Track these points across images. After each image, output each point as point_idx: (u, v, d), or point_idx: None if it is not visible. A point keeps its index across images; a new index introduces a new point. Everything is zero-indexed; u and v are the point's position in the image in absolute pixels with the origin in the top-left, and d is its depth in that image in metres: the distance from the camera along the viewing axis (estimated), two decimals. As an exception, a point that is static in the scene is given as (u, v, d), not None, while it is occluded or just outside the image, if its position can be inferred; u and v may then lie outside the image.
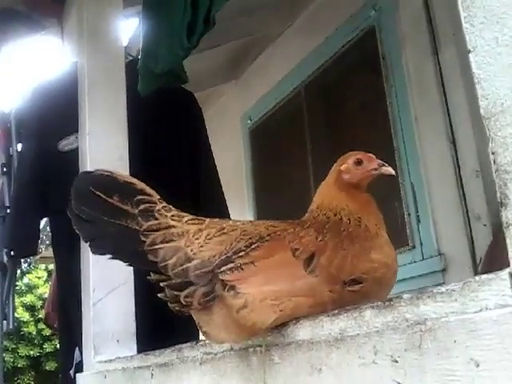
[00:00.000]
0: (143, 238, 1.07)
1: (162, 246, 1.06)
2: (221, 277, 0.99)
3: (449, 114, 3.04)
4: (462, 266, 2.88)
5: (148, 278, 1.08)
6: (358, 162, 1.25)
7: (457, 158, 2.99)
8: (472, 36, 0.71)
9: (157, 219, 1.08)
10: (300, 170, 4.09)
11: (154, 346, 1.63)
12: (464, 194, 2.93)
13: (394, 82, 3.36)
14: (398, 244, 3.18)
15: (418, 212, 3.14)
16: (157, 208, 1.09)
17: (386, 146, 3.32)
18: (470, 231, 2.88)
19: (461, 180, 2.95)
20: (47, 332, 11.94)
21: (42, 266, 12.92)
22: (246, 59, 4.74)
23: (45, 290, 12.37)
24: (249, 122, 4.78)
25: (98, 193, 1.10)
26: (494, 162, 0.66)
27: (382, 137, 3.41)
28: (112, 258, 1.13)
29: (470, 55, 0.70)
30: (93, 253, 1.15)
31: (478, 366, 0.65)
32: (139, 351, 2.08)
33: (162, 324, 2.28)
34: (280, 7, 4.07)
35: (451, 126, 3.03)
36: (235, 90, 5.01)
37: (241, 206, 4.61)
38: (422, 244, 3.11)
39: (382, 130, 3.40)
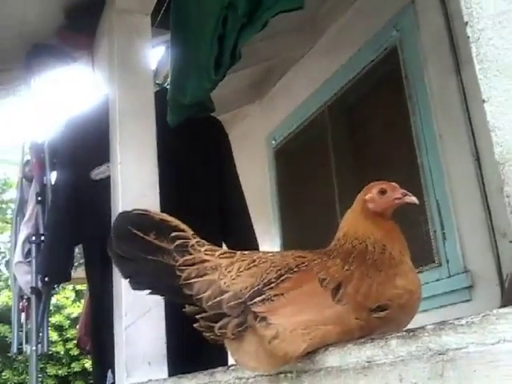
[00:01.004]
0: (179, 273, 1.13)
1: (196, 279, 1.12)
2: (252, 308, 1.05)
3: (472, 132, 3.06)
4: (488, 282, 2.88)
5: (184, 310, 1.14)
6: (382, 192, 1.29)
7: (481, 175, 3.00)
8: (486, 87, 0.76)
9: (191, 254, 1.14)
10: (325, 189, 4.12)
11: (184, 369, 1.67)
12: (489, 211, 2.94)
13: (417, 101, 3.39)
14: (425, 261, 3.19)
15: (443, 229, 3.16)
16: (191, 243, 1.16)
17: (411, 164, 3.35)
18: (496, 248, 2.88)
19: (486, 197, 2.96)
20: (75, 352, 12.01)
21: (70, 287, 13.03)
22: (269, 80, 4.81)
23: (72, 310, 12.47)
24: (273, 142, 4.84)
25: (135, 231, 1.16)
26: (509, 204, 0.71)
27: (406, 155, 3.44)
28: (150, 293, 1.19)
29: (485, 105, 0.76)
30: (132, 288, 1.21)
31: (497, 394, 0.69)
32: (170, 374, 2.13)
33: (192, 348, 2.33)
34: (301, 29, 4.14)
35: (475, 143, 3.04)
36: (259, 110, 5.07)
37: (266, 225, 4.65)
38: (448, 261, 3.12)
39: (407, 148, 3.42)
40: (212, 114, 2.92)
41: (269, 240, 4.53)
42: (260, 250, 2.80)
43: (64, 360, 12.66)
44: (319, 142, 4.29)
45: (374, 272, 1.15)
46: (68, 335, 12.24)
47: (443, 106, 3.24)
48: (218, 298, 1.08)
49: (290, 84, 4.63)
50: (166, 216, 1.19)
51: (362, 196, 1.31)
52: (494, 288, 2.82)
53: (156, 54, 3.33)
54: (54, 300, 13.34)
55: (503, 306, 0.73)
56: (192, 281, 1.12)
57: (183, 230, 1.17)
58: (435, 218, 3.20)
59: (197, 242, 1.16)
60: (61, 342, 12.60)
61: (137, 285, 1.20)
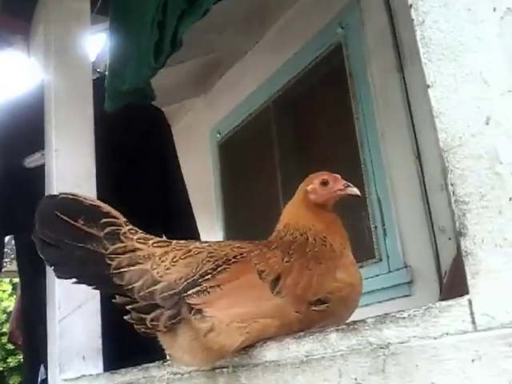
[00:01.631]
0: (109, 262, 1.06)
1: (127, 269, 1.05)
2: (187, 300, 1.00)
3: (414, 129, 3.10)
4: (427, 278, 2.93)
5: (113, 300, 1.07)
6: (324, 183, 1.27)
7: (422, 172, 3.05)
8: (431, 71, 0.73)
9: (122, 242, 1.08)
10: (269, 184, 4.11)
11: (120, 363, 1.61)
12: (429, 208, 2.99)
13: (360, 98, 3.41)
14: (365, 256, 3.22)
15: (384, 225, 3.19)
16: (122, 231, 1.09)
17: (353, 160, 3.37)
18: (436, 244, 2.93)
19: (426, 194, 3.01)
20: (11, 346, 11.72)
21: (7, 280, 12.68)
22: (214, 74, 4.76)
23: (9, 304, 12.17)
24: (218, 136, 4.79)
25: (62, 216, 1.09)
26: (453, 193, 0.68)
27: (349, 151, 3.46)
28: (77, 283, 1.12)
29: (429, 90, 0.73)
30: (57, 277, 1.14)
31: (438, 390, 0.67)
32: (105, 369, 2.06)
33: (129, 341, 2.26)
34: (248, 24, 4.12)
35: (416, 140, 3.09)
36: (204, 104, 5.02)
37: (210, 221, 4.61)
38: (388, 256, 3.16)
39: (349, 145, 3.45)
40: (156, 106, 2.85)
41: (212, 236, 4.48)
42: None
43: (0, 354, 12.33)
44: (264, 137, 4.28)
45: (314, 264, 1.12)
46: (4, 329, 11.93)
47: (386, 103, 3.28)
48: (151, 289, 1.03)
49: (236, 78, 4.60)
50: (96, 201, 1.12)
51: (303, 187, 1.28)
52: (432, 284, 2.87)
53: (96, 42, 3.23)
54: (-11, 293, 12.96)
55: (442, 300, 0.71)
56: (123, 270, 1.05)
57: (115, 217, 1.10)
58: (376, 214, 3.23)
59: (129, 229, 1.10)
60: (-4, 337, 12.27)
61: (62, 273, 1.13)
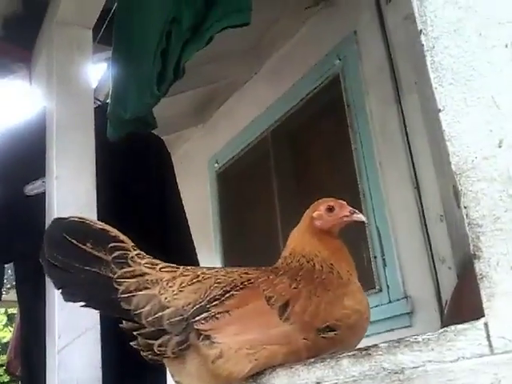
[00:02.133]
0: (116, 286, 1.06)
1: (135, 293, 1.05)
2: (196, 326, 0.99)
3: (412, 160, 3.11)
4: (428, 308, 2.91)
5: (120, 325, 1.06)
6: (330, 209, 1.27)
7: (421, 203, 3.05)
8: (442, 96, 0.74)
9: (130, 266, 1.07)
10: (267, 213, 4.11)
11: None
12: (429, 238, 2.98)
13: (358, 129, 3.43)
14: (365, 287, 3.16)
15: (384, 255, 3.18)
16: (130, 255, 1.09)
17: (352, 191, 3.37)
18: (436, 274, 2.92)
19: (425, 224, 3.01)
20: (5, 378, 11.52)
21: (2, 310, 12.53)
22: (213, 104, 4.80)
23: (3, 335, 12.00)
24: (216, 165, 4.80)
25: (71, 239, 1.09)
26: (467, 216, 0.68)
27: (347, 182, 3.47)
28: (84, 306, 1.11)
29: (440, 114, 0.73)
30: (65, 300, 1.13)
31: (456, 415, 0.66)
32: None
33: (129, 372, 2.23)
34: (246, 55, 4.17)
35: (415, 171, 3.10)
36: (202, 133, 5.05)
37: (208, 249, 4.59)
38: (388, 287, 3.14)
39: (348, 176, 3.46)
40: (156, 134, 2.86)
41: (210, 265, 4.44)
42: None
43: (-3, 386, 12.10)
44: (262, 167, 4.29)
45: (321, 291, 1.11)
46: (3, 359, 11.72)
47: (384, 134, 3.30)
48: (159, 314, 1.02)
49: (234, 108, 4.63)
50: (104, 225, 1.12)
51: (309, 213, 1.28)
52: (433, 314, 2.85)
53: (97, 71, 3.26)
54: (-16, 324, 12.78)
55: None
56: (130, 294, 1.05)
57: (123, 241, 1.10)
58: (375, 244, 3.22)
59: (137, 254, 1.10)
60: (-8, 367, 12.06)
61: (70, 296, 1.11)
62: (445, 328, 0.70)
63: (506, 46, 0.71)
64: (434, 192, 2.94)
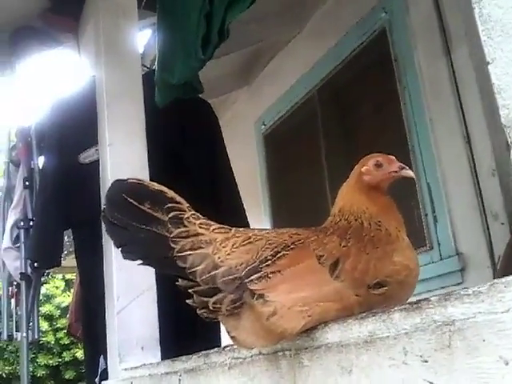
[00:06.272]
0: (172, 245, 1.10)
1: (190, 252, 1.09)
2: (249, 286, 1.02)
3: (463, 114, 3.04)
4: (480, 265, 2.88)
5: (177, 283, 1.11)
6: (379, 165, 1.26)
7: (472, 158, 2.99)
8: (490, 48, 0.73)
9: (186, 226, 1.11)
10: (315, 174, 4.10)
11: (177, 352, 1.65)
12: (481, 193, 2.93)
13: (407, 84, 3.37)
14: (416, 245, 3.15)
15: (434, 212, 3.15)
16: (186, 216, 1.12)
17: (402, 147, 3.33)
18: (488, 230, 2.88)
19: (477, 179, 2.95)
20: (66, 341, 12.00)
21: (60, 276, 12.99)
22: (257, 65, 4.77)
23: (62, 300, 12.45)
24: (262, 127, 4.81)
25: (130, 200, 1.13)
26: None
27: (397, 138, 3.42)
28: (142, 264, 1.16)
29: (489, 67, 0.73)
30: (124, 258, 1.17)
31: (507, 363, 0.67)
32: (162, 358, 2.11)
33: (184, 331, 2.31)
34: (289, 13, 4.10)
35: (466, 125, 3.03)
36: (248, 95, 5.04)
37: (257, 211, 4.63)
38: (439, 244, 3.11)
39: (397, 132, 3.41)
40: (203, 99, 2.88)
41: (259, 226, 4.49)
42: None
43: (55, 350, 12.64)
44: (309, 127, 4.27)
45: (371, 248, 1.12)
46: (58, 325, 12.21)
47: (433, 89, 3.23)
48: (212, 273, 1.06)
49: (279, 68, 4.59)
50: (161, 187, 1.16)
51: (358, 168, 1.28)
52: (485, 270, 2.82)
53: (143, 37, 3.28)
54: (43, 290, 13.30)
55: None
56: (185, 253, 1.09)
57: (179, 202, 1.14)
58: (426, 202, 3.19)
59: (192, 214, 1.13)
60: (51, 332, 12.57)
61: (129, 254, 1.16)
62: (495, 280, 0.70)
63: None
64: (486, 146, 2.88)
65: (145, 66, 2.84)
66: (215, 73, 4.22)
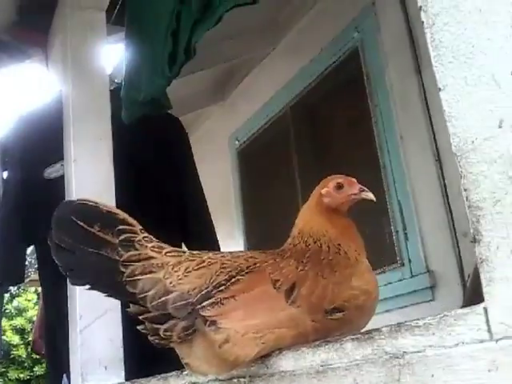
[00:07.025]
0: (122, 269, 1.06)
1: (140, 277, 1.05)
2: (202, 312, 0.99)
3: (433, 132, 3.07)
4: (450, 282, 2.89)
5: (127, 309, 1.07)
6: (339, 187, 1.25)
7: (443, 176, 3.01)
8: (442, 75, 0.72)
9: (137, 249, 1.08)
10: (288, 189, 4.10)
11: (142, 372, 1.61)
12: (451, 211, 2.95)
13: (378, 101, 3.39)
14: (387, 261, 3.19)
15: (405, 229, 3.16)
16: (137, 238, 1.09)
17: (373, 165, 3.34)
18: (458, 248, 2.89)
19: (447, 197, 2.97)
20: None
21: (32, 289, 12.81)
22: (231, 81, 4.78)
23: (34, 313, 12.27)
24: (236, 143, 4.80)
25: (78, 222, 1.09)
26: (467, 198, 0.67)
27: (368, 155, 3.43)
28: (90, 289, 1.12)
29: (441, 93, 0.72)
30: (71, 284, 1.14)
31: (454, 400, 0.65)
32: (127, 378, 2.07)
33: (150, 350, 2.26)
34: (264, 30, 4.13)
35: (436, 143, 3.05)
36: (222, 111, 5.03)
37: (229, 227, 4.61)
38: (410, 261, 3.12)
39: (368, 149, 3.42)
40: (174, 115, 2.86)
41: (232, 243, 4.47)
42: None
43: (26, 363, 12.43)
44: (282, 143, 4.28)
45: (329, 272, 1.10)
46: (30, 338, 11.99)
47: (404, 106, 3.25)
48: (163, 298, 1.02)
49: (253, 85, 4.60)
50: (113, 208, 1.12)
51: (318, 190, 1.27)
52: (456, 288, 2.83)
53: (113, 52, 3.26)
54: (15, 303, 13.11)
55: (464, 306, 0.69)
56: (136, 278, 1.05)
57: (130, 224, 1.10)
58: (397, 219, 3.20)
59: (144, 237, 1.10)
60: (22, 346, 12.37)
61: (77, 279, 1.13)
62: (445, 313, 0.69)
63: (507, 22, 0.68)
64: (457, 165, 2.88)
65: (116, 83, 2.80)
66: (188, 89, 4.22)
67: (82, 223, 1.09)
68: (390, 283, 3.11)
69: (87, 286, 1.11)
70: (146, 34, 2.17)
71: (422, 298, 3.02)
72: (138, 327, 1.05)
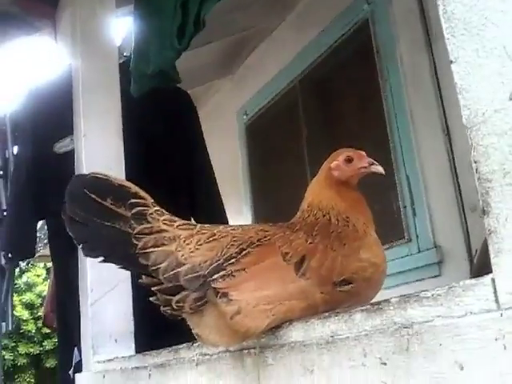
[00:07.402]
0: (135, 241, 1.08)
1: (153, 249, 1.07)
2: (213, 285, 1.00)
3: (443, 107, 3.05)
4: (458, 257, 2.89)
5: (139, 281, 1.09)
6: (349, 160, 1.25)
7: (452, 151, 3.00)
8: (454, 47, 0.72)
9: (149, 223, 1.09)
10: (296, 164, 4.09)
11: (152, 345, 1.64)
12: (459, 187, 2.94)
13: (388, 76, 3.36)
14: (395, 237, 3.19)
15: (413, 205, 3.15)
16: (149, 212, 1.10)
17: (382, 139, 3.33)
18: (466, 223, 2.89)
19: (456, 172, 2.96)
20: (47, 330, 12.00)
21: (41, 265, 12.93)
22: (240, 54, 4.74)
23: (44, 288, 12.40)
24: (244, 117, 4.78)
25: (91, 195, 1.11)
26: (477, 170, 0.67)
27: (377, 130, 3.42)
28: (104, 261, 1.14)
29: (452, 65, 0.71)
30: (85, 255, 1.16)
31: (462, 368, 0.66)
32: (138, 350, 2.10)
33: (160, 323, 2.29)
34: (273, 2, 4.07)
35: (445, 118, 3.03)
36: (231, 85, 5.01)
37: (237, 202, 4.62)
38: (418, 236, 3.12)
39: (378, 124, 3.40)
40: (182, 88, 2.85)
41: (240, 218, 4.49)
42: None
43: (35, 338, 12.61)
44: (291, 117, 4.25)
45: (337, 245, 1.11)
46: (39, 313, 12.17)
47: (414, 80, 3.22)
48: (175, 270, 1.04)
49: (261, 58, 4.57)
50: (125, 181, 1.14)
51: (327, 163, 1.27)
52: (463, 263, 2.84)
53: (122, 25, 3.24)
54: (25, 278, 13.26)
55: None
56: (148, 250, 1.07)
57: (143, 198, 1.12)
58: (405, 194, 3.19)
59: (156, 210, 1.11)
60: (32, 321, 12.54)
61: (90, 251, 1.15)
62: (453, 283, 0.70)
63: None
64: (465, 139, 2.87)
65: (124, 56, 2.79)
66: (197, 62, 4.19)
67: (94, 196, 1.10)
68: (398, 258, 3.12)
69: (100, 259, 1.13)
70: (155, 6, 2.16)
71: (429, 274, 3.03)
72: (151, 298, 1.07)
